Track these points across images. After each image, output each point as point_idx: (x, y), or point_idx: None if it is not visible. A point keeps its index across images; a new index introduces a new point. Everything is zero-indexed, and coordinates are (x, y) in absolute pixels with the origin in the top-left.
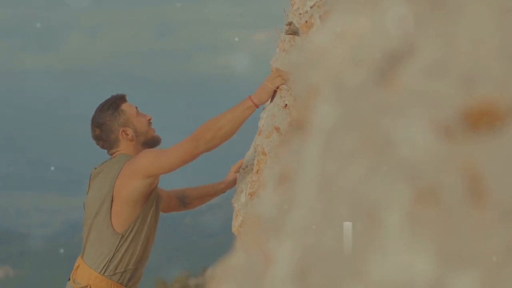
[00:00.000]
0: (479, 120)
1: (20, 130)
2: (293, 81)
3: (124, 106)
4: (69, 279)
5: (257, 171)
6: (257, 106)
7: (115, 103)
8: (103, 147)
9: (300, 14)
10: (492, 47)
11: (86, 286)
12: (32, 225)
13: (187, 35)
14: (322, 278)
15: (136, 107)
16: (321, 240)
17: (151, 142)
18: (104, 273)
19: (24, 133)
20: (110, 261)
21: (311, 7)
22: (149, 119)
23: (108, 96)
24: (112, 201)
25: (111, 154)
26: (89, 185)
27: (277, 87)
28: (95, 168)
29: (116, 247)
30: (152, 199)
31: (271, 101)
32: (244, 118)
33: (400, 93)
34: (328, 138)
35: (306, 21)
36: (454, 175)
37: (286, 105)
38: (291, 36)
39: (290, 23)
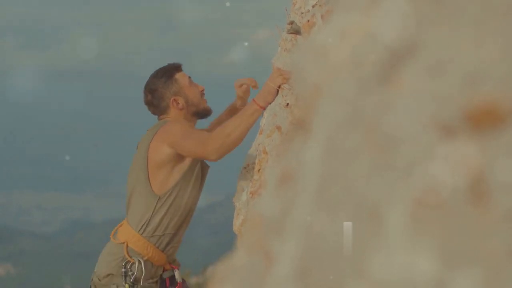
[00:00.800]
0: (482, 120)
1: (20, 129)
2: (295, 81)
3: (178, 76)
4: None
5: (259, 170)
6: (263, 108)
7: (169, 71)
8: (153, 113)
9: (302, 13)
10: (495, 46)
11: (123, 242)
12: (33, 223)
13: (188, 34)
14: (324, 278)
15: (190, 77)
16: (322, 240)
17: (202, 113)
18: (142, 233)
19: (24, 131)
20: (148, 222)
21: (313, 6)
22: (202, 90)
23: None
24: (148, 162)
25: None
26: (136, 148)
27: (279, 86)
28: (143, 135)
29: (154, 209)
30: (193, 167)
31: (273, 99)
32: (252, 122)
33: (403, 93)
34: (330, 137)
35: (308, 20)
36: (456, 175)
37: (287, 104)
38: (293, 35)
39: (291, 22)
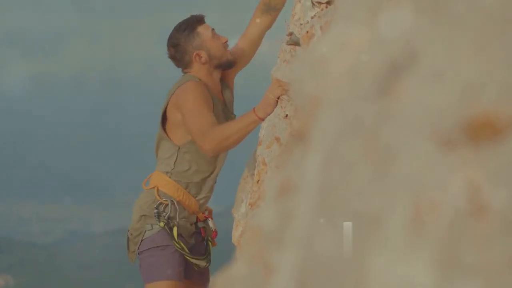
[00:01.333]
0: (481, 132)
1: (20, 137)
2: (295, 92)
3: (200, 29)
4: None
5: (258, 182)
6: (262, 119)
7: (191, 25)
8: (177, 66)
9: (301, 24)
10: (495, 57)
11: (154, 187)
12: (33, 233)
13: None
14: None
15: (213, 29)
16: (322, 251)
17: (225, 65)
18: (170, 177)
19: (24, 140)
20: (173, 169)
21: (312, 18)
22: (225, 42)
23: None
24: (166, 117)
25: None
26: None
27: (278, 97)
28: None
29: (176, 158)
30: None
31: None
32: (248, 131)
33: (402, 104)
34: (329, 148)
35: (307, 32)
36: (455, 186)
37: (286, 115)
38: (292, 46)
39: (291, 34)
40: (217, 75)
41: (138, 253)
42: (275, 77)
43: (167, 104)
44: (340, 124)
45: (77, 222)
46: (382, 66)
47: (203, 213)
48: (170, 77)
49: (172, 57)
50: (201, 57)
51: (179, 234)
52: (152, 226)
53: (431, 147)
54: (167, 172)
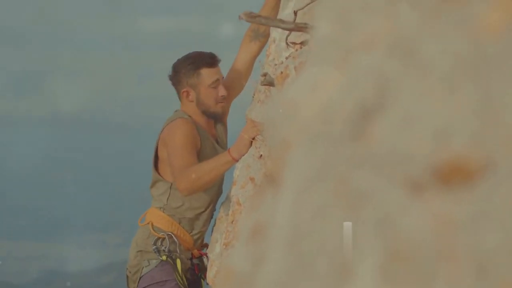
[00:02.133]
0: (452, 176)
1: None
2: (268, 134)
3: (204, 70)
4: None
5: (232, 222)
6: (236, 160)
7: (198, 62)
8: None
9: (276, 64)
10: (466, 102)
11: (149, 222)
12: (8, 273)
13: (167, 82)
14: None
15: (218, 79)
16: None
17: (211, 116)
18: (164, 212)
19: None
20: (166, 204)
21: (287, 58)
22: (222, 96)
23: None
24: (158, 155)
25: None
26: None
27: (253, 138)
28: None
29: (169, 194)
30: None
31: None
32: (222, 171)
33: (373, 148)
34: (300, 192)
35: (282, 72)
36: (427, 231)
37: (261, 155)
38: (267, 87)
39: (265, 74)
40: (205, 121)
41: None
42: (250, 117)
43: (158, 142)
44: (311, 168)
45: (53, 261)
46: (354, 109)
47: (198, 249)
48: (150, 115)
49: (170, 79)
50: (189, 95)
51: (182, 269)
52: (149, 262)
53: (403, 191)
54: (160, 208)
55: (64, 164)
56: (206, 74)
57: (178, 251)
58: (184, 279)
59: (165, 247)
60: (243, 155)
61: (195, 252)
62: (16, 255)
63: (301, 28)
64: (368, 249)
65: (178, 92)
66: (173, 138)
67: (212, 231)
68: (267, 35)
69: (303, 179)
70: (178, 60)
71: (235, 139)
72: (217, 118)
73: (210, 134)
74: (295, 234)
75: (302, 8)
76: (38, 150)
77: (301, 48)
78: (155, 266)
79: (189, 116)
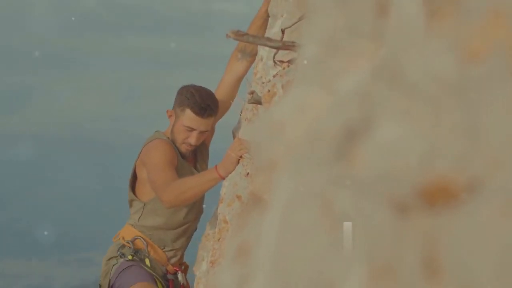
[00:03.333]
0: (436, 197)
1: None
2: (254, 154)
3: (188, 112)
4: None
5: (219, 239)
6: (223, 178)
7: (190, 102)
8: None
9: (263, 83)
10: (450, 124)
11: (119, 237)
12: None
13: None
14: None
15: (194, 129)
16: None
17: (179, 148)
18: (135, 227)
19: None
20: (138, 221)
21: (274, 76)
22: (188, 143)
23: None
24: (135, 174)
25: None
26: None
27: (240, 156)
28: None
29: (141, 214)
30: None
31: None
32: (208, 188)
33: (358, 169)
34: (285, 212)
35: (269, 90)
36: (410, 251)
37: (248, 173)
38: (254, 105)
39: (252, 92)
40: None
41: None
42: (237, 135)
43: (136, 162)
44: (297, 188)
45: (39, 279)
46: (339, 131)
47: (173, 266)
48: (136, 133)
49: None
50: (171, 117)
51: (152, 267)
52: (117, 261)
53: (387, 212)
54: (132, 225)
55: (49, 182)
56: (188, 117)
57: (147, 251)
58: (154, 273)
59: (131, 249)
60: (230, 173)
61: (170, 268)
62: (1, 273)
63: (289, 46)
64: (352, 268)
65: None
66: (152, 157)
67: (198, 249)
68: (254, 55)
69: (289, 199)
70: (190, 85)
71: (222, 157)
72: (182, 156)
73: (188, 159)
74: (280, 255)
75: (290, 27)
76: (22, 167)
77: (288, 66)
78: (124, 261)
79: (168, 137)
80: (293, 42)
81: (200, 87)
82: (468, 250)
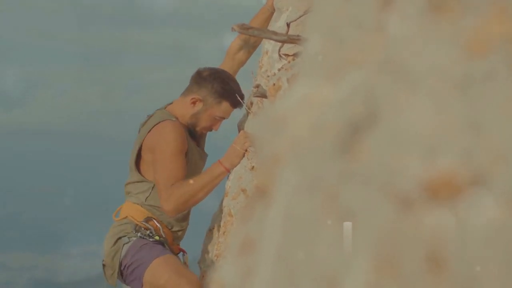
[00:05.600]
0: (440, 192)
1: None
2: (258, 148)
3: (225, 105)
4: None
5: (224, 233)
6: (228, 171)
7: (228, 95)
8: (188, 85)
9: (268, 76)
10: (454, 118)
11: (126, 217)
12: None
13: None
14: None
15: (224, 118)
16: None
17: (190, 133)
18: (142, 206)
19: None
20: (144, 203)
21: (279, 70)
22: (212, 130)
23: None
24: (141, 154)
25: (171, 103)
26: (139, 130)
27: (246, 150)
28: (148, 116)
29: (149, 194)
30: (188, 163)
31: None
32: (216, 183)
33: (362, 163)
34: (289, 207)
35: (274, 84)
36: (414, 246)
37: (253, 167)
38: (259, 98)
39: (258, 86)
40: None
41: (122, 270)
42: (242, 129)
43: (142, 142)
44: (300, 183)
45: (44, 272)
46: (344, 125)
47: (178, 246)
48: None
49: (195, 76)
50: (193, 104)
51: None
52: (129, 239)
53: (392, 206)
54: (139, 204)
55: (54, 177)
56: (225, 109)
57: (163, 234)
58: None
59: (151, 232)
60: (235, 166)
61: (175, 248)
62: (6, 266)
63: (294, 40)
64: (356, 263)
65: (187, 93)
66: (163, 146)
67: (203, 242)
68: (255, 47)
69: (293, 193)
70: (218, 70)
71: (225, 149)
72: (189, 134)
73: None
74: (284, 249)
75: (295, 20)
76: (28, 162)
77: (293, 59)
78: (136, 239)
79: (176, 118)
80: (298, 35)
81: (228, 74)
82: (472, 245)
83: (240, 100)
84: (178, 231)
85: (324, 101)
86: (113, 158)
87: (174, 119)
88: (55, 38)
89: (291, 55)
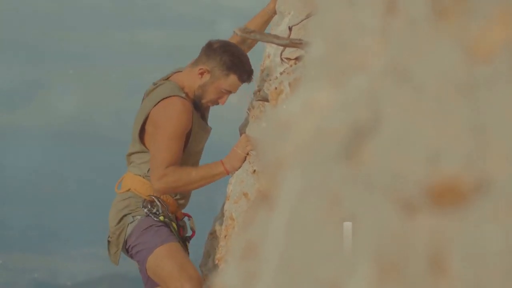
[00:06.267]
0: (443, 197)
1: None
2: (261, 152)
3: (232, 77)
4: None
5: (225, 236)
6: (228, 173)
7: (237, 68)
8: (198, 56)
9: (270, 80)
10: (459, 122)
11: (129, 189)
12: None
13: None
14: None
15: (231, 92)
16: None
17: (196, 105)
18: (145, 178)
19: None
20: (146, 174)
21: (281, 74)
22: (218, 103)
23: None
24: (145, 126)
25: (177, 71)
26: (142, 99)
27: (247, 153)
28: (154, 84)
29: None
30: (191, 139)
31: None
32: (213, 181)
33: (366, 167)
34: (294, 211)
35: (276, 88)
36: (417, 251)
37: (254, 170)
38: (261, 102)
39: (259, 90)
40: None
41: (127, 248)
42: (243, 133)
43: (148, 115)
44: (304, 187)
45: (44, 273)
46: (347, 130)
47: (181, 212)
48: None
49: (204, 48)
50: (203, 76)
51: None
52: (133, 218)
53: (395, 211)
54: (140, 175)
55: (55, 177)
56: (232, 82)
57: (170, 215)
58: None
59: (157, 210)
60: (236, 170)
61: (179, 214)
62: (7, 267)
63: (296, 44)
64: (359, 267)
65: (196, 64)
66: (167, 124)
67: (204, 246)
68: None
69: (297, 198)
70: (229, 44)
71: (228, 152)
72: (195, 107)
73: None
74: (287, 255)
75: (297, 24)
76: (29, 162)
77: (295, 63)
78: (141, 219)
79: (185, 92)
80: (300, 39)
81: (238, 47)
82: (475, 250)
83: (249, 76)
84: (180, 199)
85: (328, 106)
86: (114, 158)
87: (183, 94)
88: (56, 38)
89: (293, 59)
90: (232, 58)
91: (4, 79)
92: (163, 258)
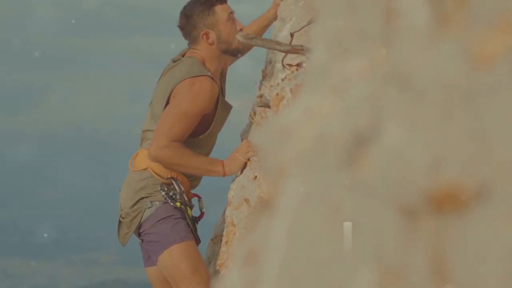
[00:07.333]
0: (444, 203)
1: None
2: (262, 159)
3: (218, 8)
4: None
5: (226, 242)
6: (225, 175)
7: (209, 3)
8: (185, 38)
9: (272, 86)
10: (459, 129)
11: (146, 168)
12: None
13: None
14: None
15: (232, 12)
16: None
17: (233, 53)
18: None
19: None
20: None
21: (282, 80)
22: (240, 29)
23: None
24: (167, 104)
25: (190, 48)
26: (161, 75)
27: (248, 159)
28: (173, 61)
29: None
30: (212, 119)
31: (241, 172)
32: (206, 175)
33: (367, 174)
34: (294, 218)
35: (277, 94)
36: (418, 257)
37: (256, 177)
38: (262, 108)
39: (261, 96)
40: (223, 60)
41: (140, 233)
42: (245, 139)
43: (172, 90)
44: (305, 194)
45: (45, 279)
46: (349, 136)
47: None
48: (138, 134)
49: (182, 28)
50: (209, 37)
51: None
52: (151, 204)
53: (396, 217)
54: None
55: (52, 182)
56: (221, 10)
57: (186, 198)
58: (192, 228)
59: (174, 193)
60: (233, 174)
61: (190, 194)
62: (7, 273)
63: (297, 50)
64: (361, 274)
65: (194, 38)
66: (190, 98)
67: (205, 251)
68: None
69: (298, 204)
70: (187, 6)
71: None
72: (238, 54)
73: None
74: (288, 261)
75: (299, 30)
76: (29, 168)
77: (297, 70)
78: (160, 206)
79: (209, 70)
80: (301, 45)
81: None
82: (476, 256)
83: None
84: (195, 180)
85: (329, 113)
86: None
87: (209, 73)
88: (57, 44)
89: (295, 65)
90: (199, 2)
91: (3, 84)
92: (179, 257)
